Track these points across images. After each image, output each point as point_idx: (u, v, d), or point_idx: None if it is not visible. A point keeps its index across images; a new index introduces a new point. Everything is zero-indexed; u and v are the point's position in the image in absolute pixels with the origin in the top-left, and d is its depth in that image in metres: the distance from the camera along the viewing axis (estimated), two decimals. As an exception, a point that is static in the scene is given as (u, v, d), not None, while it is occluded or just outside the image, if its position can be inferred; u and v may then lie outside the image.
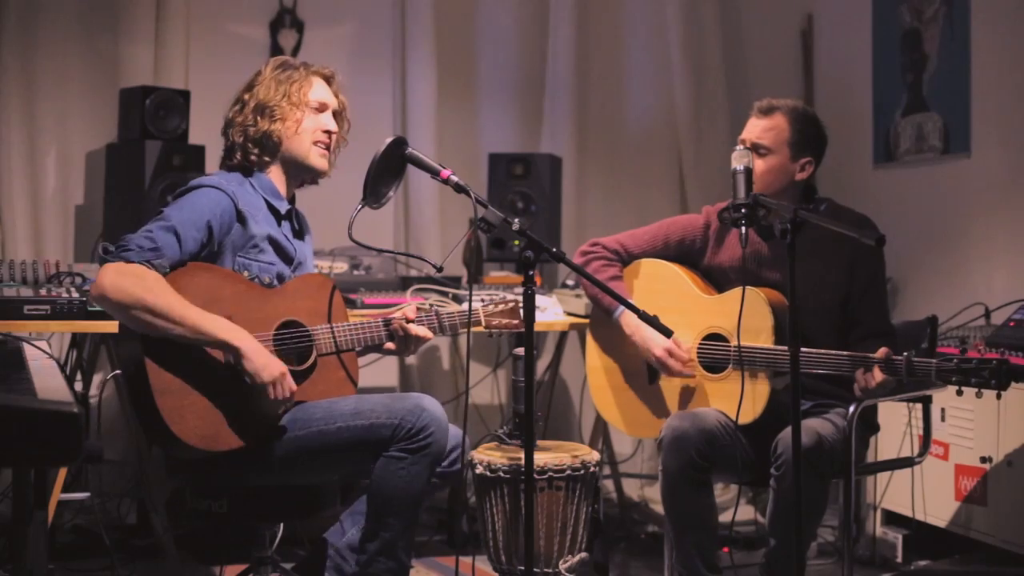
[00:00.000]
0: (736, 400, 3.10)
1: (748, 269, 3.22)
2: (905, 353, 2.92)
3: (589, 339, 3.52)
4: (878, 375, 2.93)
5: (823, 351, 3.03)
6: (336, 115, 3.00)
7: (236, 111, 2.93)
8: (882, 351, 2.94)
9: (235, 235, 2.82)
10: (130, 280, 2.59)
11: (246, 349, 2.65)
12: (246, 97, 2.93)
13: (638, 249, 3.43)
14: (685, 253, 3.40)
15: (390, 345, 3.02)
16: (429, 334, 3.02)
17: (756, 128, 3.24)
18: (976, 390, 2.84)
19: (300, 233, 3.05)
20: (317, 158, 2.96)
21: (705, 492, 3.11)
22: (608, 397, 3.46)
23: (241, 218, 2.82)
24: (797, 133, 3.21)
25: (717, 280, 3.35)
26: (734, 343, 3.13)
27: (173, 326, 2.61)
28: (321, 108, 2.96)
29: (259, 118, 2.90)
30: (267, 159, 2.94)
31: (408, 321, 3.00)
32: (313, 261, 3.13)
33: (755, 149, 3.19)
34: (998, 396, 2.88)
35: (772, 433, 3.03)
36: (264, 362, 2.67)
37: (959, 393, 2.87)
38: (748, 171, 2.92)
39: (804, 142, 3.22)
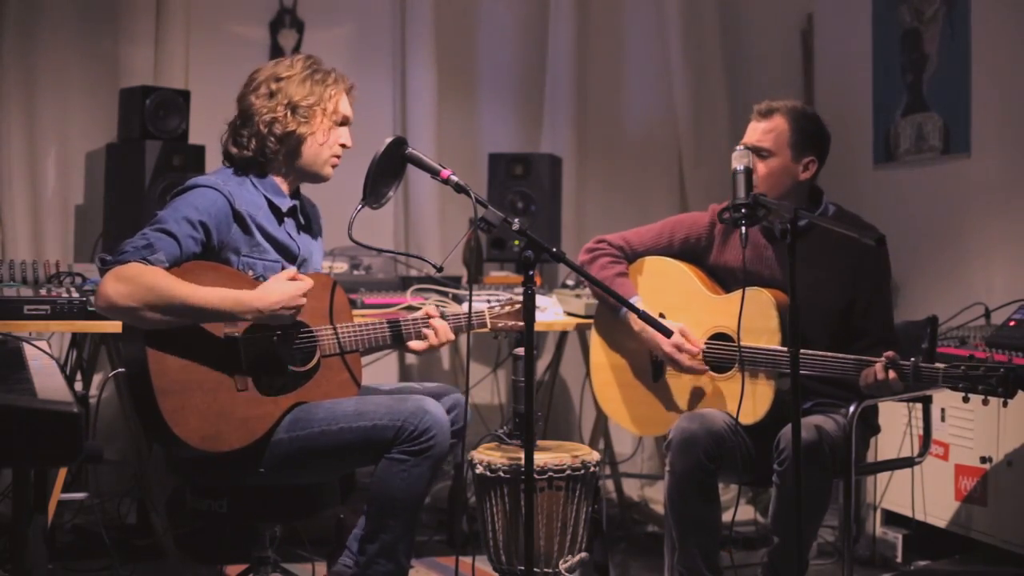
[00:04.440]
0: (743, 399, 3.09)
1: (753, 270, 3.22)
2: (912, 359, 2.91)
3: (594, 336, 3.51)
4: (880, 372, 2.93)
5: (828, 354, 3.03)
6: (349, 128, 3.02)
7: (263, 96, 2.88)
8: (888, 354, 2.93)
9: (234, 235, 2.82)
10: (129, 283, 2.59)
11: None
12: (274, 87, 2.88)
13: (643, 247, 3.43)
14: (690, 251, 3.39)
15: (416, 345, 3.01)
16: (452, 335, 3.03)
17: (756, 131, 3.23)
18: (983, 397, 2.83)
19: (308, 228, 3.05)
20: (328, 169, 2.98)
21: (711, 494, 3.11)
22: (612, 394, 3.45)
23: (239, 218, 2.82)
24: (797, 133, 3.21)
25: (723, 279, 3.34)
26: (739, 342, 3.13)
27: (183, 317, 2.64)
28: (343, 122, 2.97)
29: (289, 115, 2.87)
30: (281, 158, 2.92)
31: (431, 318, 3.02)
32: (321, 256, 3.13)
33: (756, 152, 3.19)
34: (1004, 404, 2.86)
35: (775, 433, 3.03)
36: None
37: (965, 400, 2.86)
38: (748, 171, 2.92)
39: (805, 142, 3.21)
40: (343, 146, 2.98)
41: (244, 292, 2.71)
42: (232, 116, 2.95)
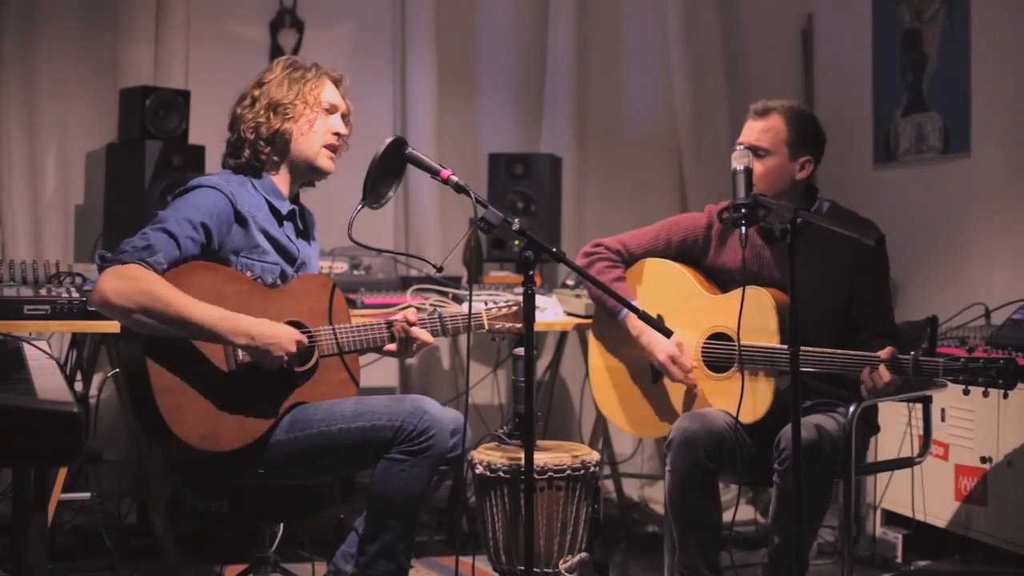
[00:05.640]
0: (743, 398, 3.09)
1: (752, 271, 3.22)
2: (912, 352, 2.92)
3: (592, 338, 3.52)
4: (885, 374, 2.93)
5: (826, 350, 3.03)
6: (343, 118, 3.01)
7: (247, 106, 2.92)
8: (887, 350, 2.94)
9: (235, 236, 2.81)
10: (128, 283, 2.58)
11: (249, 345, 2.66)
12: (256, 93, 2.92)
13: (640, 249, 3.43)
14: (687, 252, 3.40)
15: (391, 347, 3.01)
16: (430, 339, 3.01)
17: (753, 130, 3.23)
18: (983, 389, 2.83)
19: (305, 234, 3.05)
20: (325, 160, 2.96)
21: (712, 494, 3.11)
22: (611, 396, 3.46)
23: (240, 219, 2.81)
24: (794, 133, 3.21)
25: (720, 280, 3.34)
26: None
27: (175, 329, 2.61)
28: (332, 110, 2.97)
29: (271, 115, 2.89)
30: (276, 158, 2.93)
31: (409, 324, 2.99)
32: (317, 262, 3.12)
33: (753, 151, 3.19)
34: (1005, 395, 2.87)
35: (776, 432, 3.03)
36: (271, 356, 2.68)
37: (966, 392, 2.86)
38: (748, 171, 2.92)
39: (802, 141, 3.22)
40: (337, 135, 2.98)
41: (242, 316, 2.67)
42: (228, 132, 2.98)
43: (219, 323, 2.64)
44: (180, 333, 2.63)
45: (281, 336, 2.70)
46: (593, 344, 3.51)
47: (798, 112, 3.24)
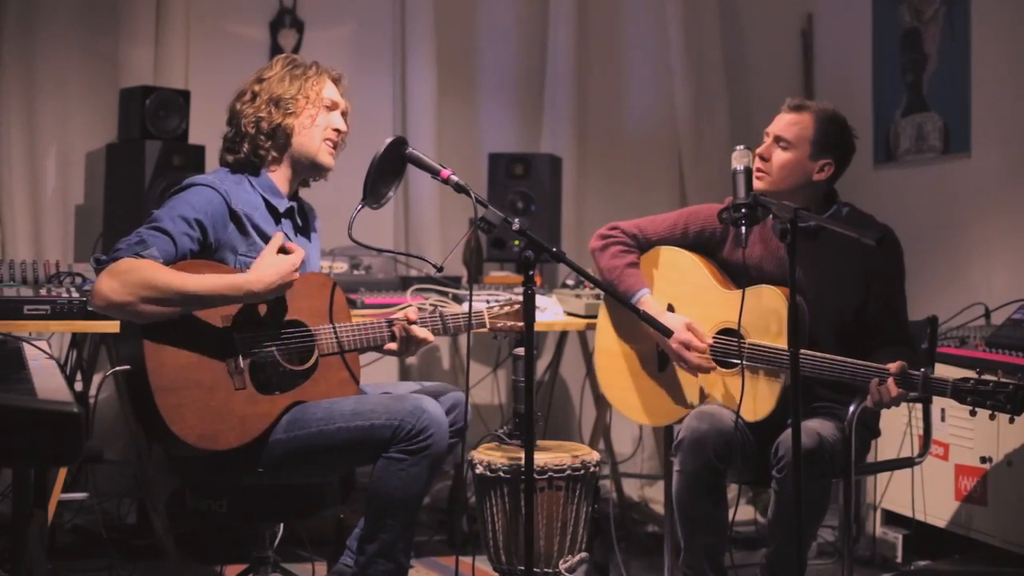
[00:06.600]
0: (747, 396, 3.09)
1: (766, 269, 3.21)
2: (923, 369, 2.89)
3: (602, 317, 3.46)
4: (893, 388, 2.91)
5: (836, 358, 3.01)
6: (342, 116, 3.02)
7: (246, 102, 2.92)
8: (897, 365, 2.92)
9: (231, 234, 2.82)
10: (121, 278, 2.59)
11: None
12: (257, 89, 2.93)
13: (656, 236, 3.41)
14: (704, 243, 3.37)
15: (391, 346, 3.01)
16: (431, 337, 3.01)
17: (781, 122, 3.22)
18: (990, 412, 2.82)
19: (304, 230, 3.05)
20: (325, 155, 2.97)
21: (720, 494, 3.09)
22: (615, 381, 3.42)
23: (235, 217, 2.82)
24: (821, 133, 3.19)
25: (733, 275, 3.32)
26: (748, 340, 3.12)
27: (185, 307, 2.65)
28: (332, 107, 2.98)
29: (273, 110, 2.90)
30: (275, 153, 2.93)
31: (410, 322, 2.99)
32: (318, 258, 3.12)
33: (776, 141, 3.19)
34: (1011, 420, 2.85)
35: (780, 432, 3.02)
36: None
37: (972, 414, 2.85)
38: (748, 171, 2.92)
39: (826, 142, 3.19)
40: (337, 131, 2.98)
41: (238, 276, 2.72)
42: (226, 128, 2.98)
43: (220, 289, 2.68)
44: (186, 309, 2.66)
45: (280, 277, 2.73)
46: (604, 324, 3.45)
47: (831, 115, 3.22)
